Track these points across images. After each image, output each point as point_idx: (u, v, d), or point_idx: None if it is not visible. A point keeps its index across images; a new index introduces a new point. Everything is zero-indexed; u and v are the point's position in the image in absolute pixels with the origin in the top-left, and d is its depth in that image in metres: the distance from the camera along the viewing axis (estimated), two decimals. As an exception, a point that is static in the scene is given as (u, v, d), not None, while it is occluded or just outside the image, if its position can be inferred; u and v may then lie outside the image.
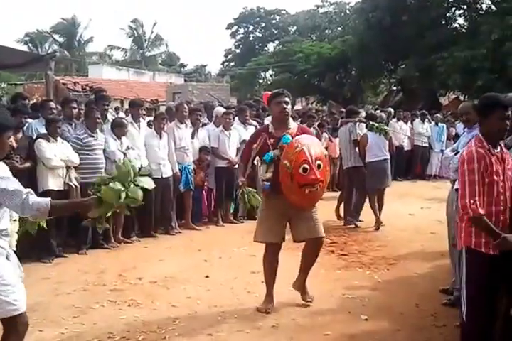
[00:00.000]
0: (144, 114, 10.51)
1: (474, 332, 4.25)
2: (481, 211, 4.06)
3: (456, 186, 5.77)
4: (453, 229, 5.81)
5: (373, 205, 10.32)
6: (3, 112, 4.54)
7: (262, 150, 5.99)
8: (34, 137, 8.21)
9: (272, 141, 5.93)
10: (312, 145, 5.75)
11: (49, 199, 3.95)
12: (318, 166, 5.67)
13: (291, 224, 6.07)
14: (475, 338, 4.26)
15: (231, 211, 11.20)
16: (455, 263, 6.25)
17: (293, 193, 5.71)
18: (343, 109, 15.10)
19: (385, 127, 10.88)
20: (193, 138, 10.44)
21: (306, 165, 5.59)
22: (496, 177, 4.16)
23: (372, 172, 10.33)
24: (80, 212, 4.86)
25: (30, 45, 48.53)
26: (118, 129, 9.01)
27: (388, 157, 10.70)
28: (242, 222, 10.98)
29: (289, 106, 6.02)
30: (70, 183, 8.14)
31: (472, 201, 4.08)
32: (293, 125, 6.13)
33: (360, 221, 10.49)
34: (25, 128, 8.48)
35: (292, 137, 5.83)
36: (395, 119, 17.21)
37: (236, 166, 10.70)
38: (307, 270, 6.23)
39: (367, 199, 10.39)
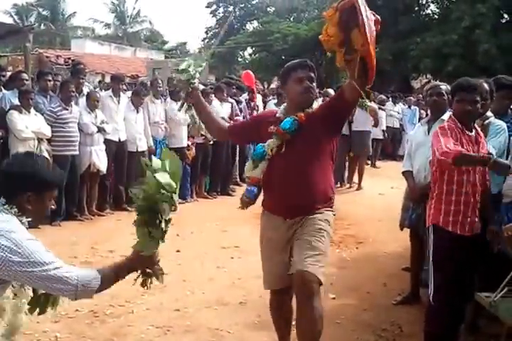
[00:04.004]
0: (125, 89, 10.25)
1: (439, 313, 4.11)
2: (461, 148, 3.87)
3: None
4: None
5: (353, 168, 12.34)
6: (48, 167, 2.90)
7: (260, 140, 3.99)
8: (7, 108, 7.94)
9: (273, 127, 3.89)
10: None
11: (96, 273, 2.73)
12: None
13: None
14: (440, 319, 4.11)
15: (207, 186, 11.09)
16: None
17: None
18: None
19: (368, 103, 11.87)
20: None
21: None
22: None
23: (354, 140, 11.89)
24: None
25: (16, 17, 47.56)
26: (90, 102, 8.76)
27: (369, 130, 12.45)
28: (216, 198, 10.87)
29: (315, 85, 3.98)
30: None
31: (448, 145, 3.85)
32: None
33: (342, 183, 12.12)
34: (-2, 99, 8.21)
35: (301, 122, 3.82)
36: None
37: (211, 142, 10.60)
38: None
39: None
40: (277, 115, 4.00)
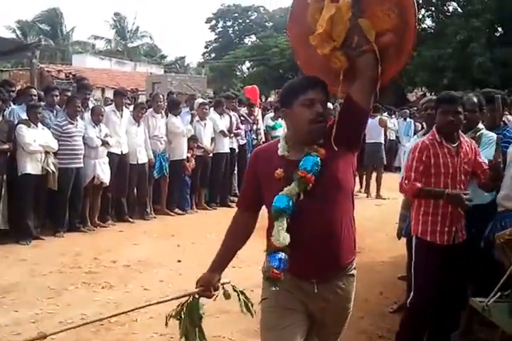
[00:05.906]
0: (128, 104, 10.38)
1: (412, 317, 4.32)
2: (418, 185, 4.08)
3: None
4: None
5: (369, 178, 12.98)
6: None
7: (268, 191, 2.91)
8: (16, 122, 8.06)
9: (280, 171, 2.83)
10: None
11: None
12: None
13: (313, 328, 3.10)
14: (411, 324, 4.34)
15: (206, 198, 11.23)
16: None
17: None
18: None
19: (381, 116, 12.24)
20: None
21: None
22: (442, 170, 4.12)
23: (367, 152, 12.39)
24: None
25: (19, 32, 47.70)
26: (94, 116, 8.91)
27: (381, 141, 12.97)
28: (215, 209, 10.97)
29: (329, 110, 3.02)
30: (48, 168, 8.01)
31: (407, 181, 4.14)
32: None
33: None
34: (7, 113, 8.29)
35: (322, 159, 2.79)
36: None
37: (210, 155, 10.72)
38: None
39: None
40: (280, 153, 2.91)
